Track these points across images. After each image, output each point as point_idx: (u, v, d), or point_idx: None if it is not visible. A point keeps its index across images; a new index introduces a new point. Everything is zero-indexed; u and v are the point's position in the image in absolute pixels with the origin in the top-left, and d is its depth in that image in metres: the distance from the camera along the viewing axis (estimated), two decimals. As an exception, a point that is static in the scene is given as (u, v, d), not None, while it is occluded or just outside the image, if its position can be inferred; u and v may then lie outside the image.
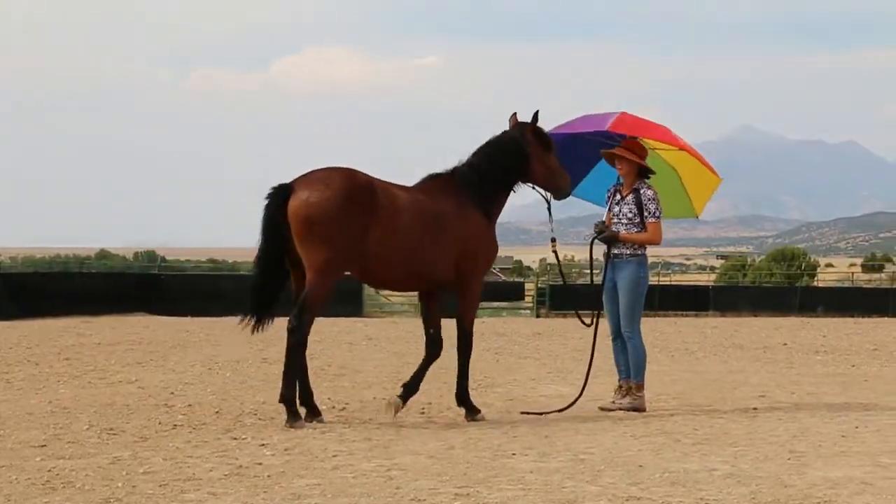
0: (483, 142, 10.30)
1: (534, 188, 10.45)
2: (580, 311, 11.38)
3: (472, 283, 10.07)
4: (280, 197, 9.31)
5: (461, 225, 9.89)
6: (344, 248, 9.27)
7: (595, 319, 11.00)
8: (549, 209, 10.53)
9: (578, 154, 11.08)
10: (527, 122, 10.28)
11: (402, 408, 10.01)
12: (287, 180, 9.42)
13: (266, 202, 9.39)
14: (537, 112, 10.24)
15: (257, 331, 9.60)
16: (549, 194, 10.49)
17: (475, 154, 10.21)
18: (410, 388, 10.06)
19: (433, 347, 10.11)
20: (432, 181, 10.13)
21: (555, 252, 10.81)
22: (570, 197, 11.10)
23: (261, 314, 9.58)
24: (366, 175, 9.53)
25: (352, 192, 9.27)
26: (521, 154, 10.17)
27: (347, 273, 9.66)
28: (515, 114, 10.38)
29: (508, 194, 10.37)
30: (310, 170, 9.54)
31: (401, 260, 9.60)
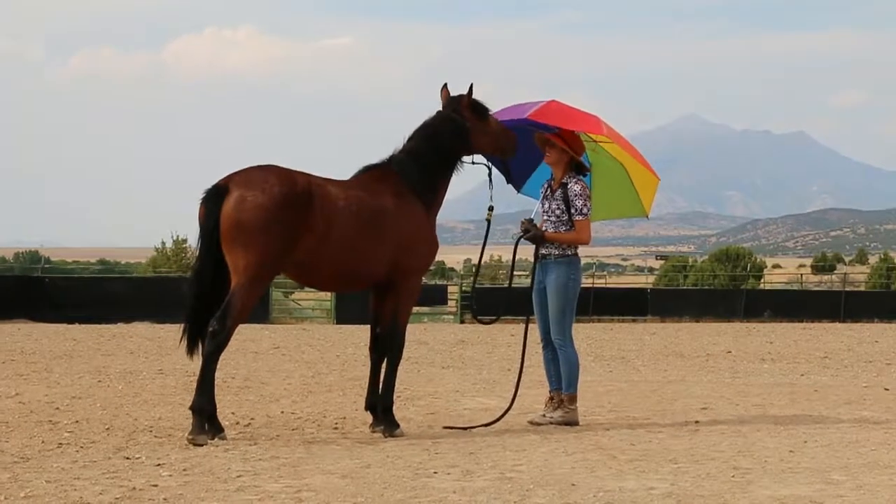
0: (418, 125, 10.34)
1: (473, 163, 10.58)
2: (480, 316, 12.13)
3: (410, 280, 10.14)
4: (216, 201, 9.30)
5: (399, 220, 9.95)
6: (274, 256, 9.34)
7: (525, 325, 11.07)
8: (489, 175, 10.65)
9: (525, 152, 11.07)
10: (461, 96, 10.35)
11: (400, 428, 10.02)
12: (219, 179, 9.39)
13: (203, 206, 9.38)
14: (472, 86, 10.31)
15: (195, 351, 9.53)
16: (488, 162, 10.66)
17: (411, 138, 10.26)
18: (386, 401, 10.07)
19: (383, 350, 10.14)
20: (368, 173, 10.16)
21: (488, 221, 10.82)
22: (517, 194, 11.27)
23: (199, 331, 9.48)
24: (304, 176, 9.56)
25: (288, 198, 9.31)
26: (460, 131, 10.26)
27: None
28: (446, 85, 10.45)
29: (451, 176, 10.45)
30: (246, 167, 9.56)
31: (334, 262, 9.69)
